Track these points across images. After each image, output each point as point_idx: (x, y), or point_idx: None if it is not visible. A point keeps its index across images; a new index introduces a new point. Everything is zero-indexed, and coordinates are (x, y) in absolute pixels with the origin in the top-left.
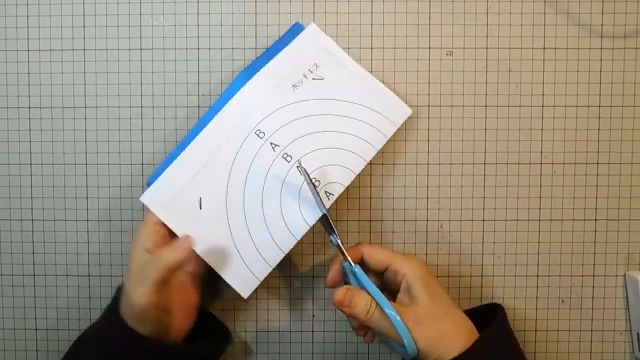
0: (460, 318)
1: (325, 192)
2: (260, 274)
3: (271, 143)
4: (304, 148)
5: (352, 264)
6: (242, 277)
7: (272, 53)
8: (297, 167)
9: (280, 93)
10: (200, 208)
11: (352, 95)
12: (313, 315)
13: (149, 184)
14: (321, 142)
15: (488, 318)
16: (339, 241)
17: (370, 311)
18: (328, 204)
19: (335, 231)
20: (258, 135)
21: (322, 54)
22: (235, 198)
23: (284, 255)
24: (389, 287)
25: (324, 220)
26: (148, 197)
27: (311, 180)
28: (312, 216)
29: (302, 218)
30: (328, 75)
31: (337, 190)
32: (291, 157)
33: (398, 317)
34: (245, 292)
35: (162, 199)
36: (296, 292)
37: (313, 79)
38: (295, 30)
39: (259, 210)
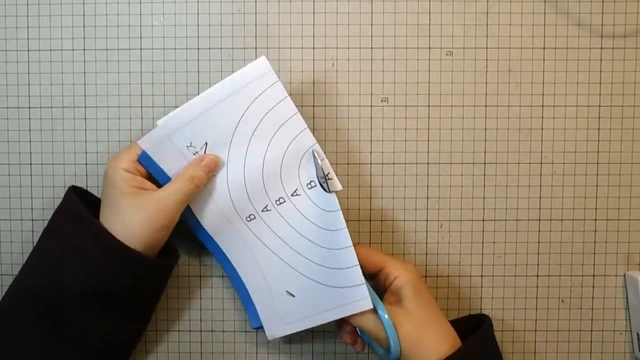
0: (445, 327)
1: (326, 178)
2: (359, 279)
3: (262, 210)
4: (276, 185)
5: None
6: (353, 297)
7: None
8: (314, 156)
9: (215, 186)
10: (294, 295)
11: (231, 119)
12: None
13: (258, 327)
14: (273, 166)
15: (475, 328)
16: None
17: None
18: (337, 186)
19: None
20: (252, 219)
21: (178, 135)
22: (297, 260)
23: (352, 246)
24: (380, 289)
25: None
26: (271, 334)
27: (323, 170)
28: (334, 198)
29: (333, 215)
30: (203, 136)
31: (329, 166)
32: (282, 198)
33: (386, 316)
34: (366, 304)
35: (277, 327)
36: None
37: (205, 149)
38: (145, 158)
39: (312, 246)
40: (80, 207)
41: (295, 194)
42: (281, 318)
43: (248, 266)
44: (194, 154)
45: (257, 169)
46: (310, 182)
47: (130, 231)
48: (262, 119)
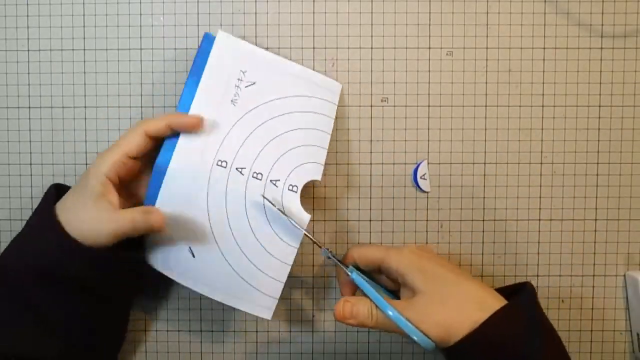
0: (466, 288)
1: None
2: (276, 293)
3: (236, 169)
4: (268, 161)
5: (348, 273)
6: (258, 301)
7: (196, 74)
8: (264, 198)
9: (224, 114)
10: (194, 256)
11: (286, 90)
12: (313, 316)
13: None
14: (280, 147)
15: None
16: (329, 253)
17: (374, 315)
18: (306, 219)
19: (320, 245)
20: (221, 165)
21: (243, 58)
22: (224, 235)
23: (290, 266)
24: (395, 286)
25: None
26: (148, 256)
27: (280, 209)
28: (304, 220)
29: (293, 226)
30: (257, 78)
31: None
32: (261, 174)
33: (400, 316)
34: (267, 314)
35: (159, 256)
36: (296, 292)
37: (246, 86)
38: (207, 42)
39: (250, 235)
40: (48, 198)
41: (274, 182)
42: (165, 259)
43: (173, 204)
44: (235, 86)
45: (268, 138)
46: (294, 186)
47: (90, 231)
48: (305, 112)
